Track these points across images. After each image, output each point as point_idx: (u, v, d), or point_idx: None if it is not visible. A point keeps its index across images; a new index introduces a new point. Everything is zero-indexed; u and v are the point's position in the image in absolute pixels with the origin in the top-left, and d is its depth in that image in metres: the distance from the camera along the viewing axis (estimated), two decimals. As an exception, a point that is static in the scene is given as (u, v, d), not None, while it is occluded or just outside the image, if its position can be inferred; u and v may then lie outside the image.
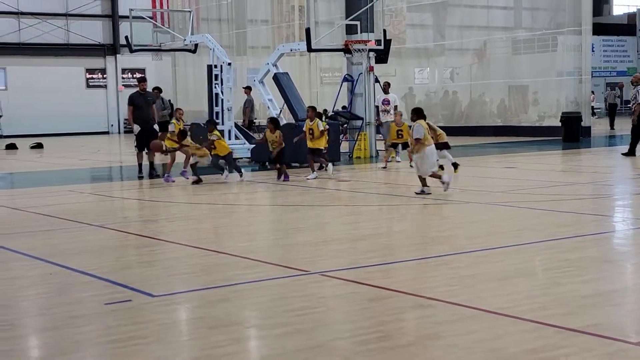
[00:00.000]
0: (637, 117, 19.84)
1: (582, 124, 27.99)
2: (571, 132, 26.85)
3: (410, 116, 13.67)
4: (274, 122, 16.62)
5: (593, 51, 38.31)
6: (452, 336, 5.46)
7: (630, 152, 19.96)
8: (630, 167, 19.02)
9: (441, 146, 15.83)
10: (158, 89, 23.31)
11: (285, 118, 21.54)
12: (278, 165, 16.30)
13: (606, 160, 21.52)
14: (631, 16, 61.56)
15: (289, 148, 16.71)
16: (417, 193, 13.20)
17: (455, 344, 5.28)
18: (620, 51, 58.07)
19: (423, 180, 13.32)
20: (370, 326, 5.74)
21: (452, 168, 16.41)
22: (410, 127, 14.16)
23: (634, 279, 7.38)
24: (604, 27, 55.17)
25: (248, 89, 25.26)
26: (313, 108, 17.37)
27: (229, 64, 21.62)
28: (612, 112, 36.29)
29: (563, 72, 30.43)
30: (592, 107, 34.09)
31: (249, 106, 25.63)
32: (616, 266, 7.83)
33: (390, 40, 22.19)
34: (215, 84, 21.35)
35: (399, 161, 19.40)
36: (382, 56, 21.76)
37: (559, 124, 26.66)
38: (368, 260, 8.11)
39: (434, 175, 13.36)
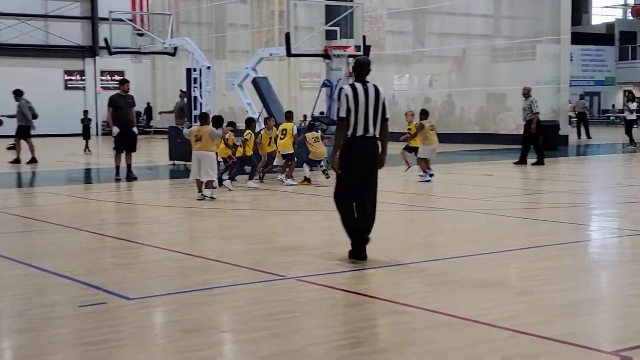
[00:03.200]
0: (535, 126, 20.48)
1: (560, 132, 28.25)
2: (548, 141, 27.04)
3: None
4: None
5: (572, 60, 38.58)
6: (426, 343, 5.49)
7: (522, 161, 20.45)
8: (606, 175, 19.21)
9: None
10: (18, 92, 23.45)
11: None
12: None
13: (583, 169, 21.71)
14: (610, 26, 62.13)
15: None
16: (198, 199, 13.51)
17: (430, 351, 5.31)
18: (599, 60, 58.57)
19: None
20: (346, 332, 5.75)
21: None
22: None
23: (609, 288, 7.44)
24: (582, 37, 55.65)
25: None
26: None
27: (208, 67, 21.60)
28: (581, 120, 36.40)
29: (541, 80, 30.64)
30: (570, 116, 34.33)
31: None
32: (592, 275, 7.90)
33: (369, 46, 22.22)
34: (194, 87, 21.32)
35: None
36: (361, 62, 21.78)
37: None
38: (344, 266, 8.12)
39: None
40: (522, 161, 20.49)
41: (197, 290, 7.10)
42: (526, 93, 20.99)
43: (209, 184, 13.64)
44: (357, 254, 8.20)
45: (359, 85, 8.09)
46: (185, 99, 25.60)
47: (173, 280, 7.60)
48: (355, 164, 8.12)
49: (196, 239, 10.55)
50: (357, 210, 8.28)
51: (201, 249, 9.47)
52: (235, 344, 5.68)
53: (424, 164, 16.72)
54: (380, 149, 8.29)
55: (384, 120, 8.15)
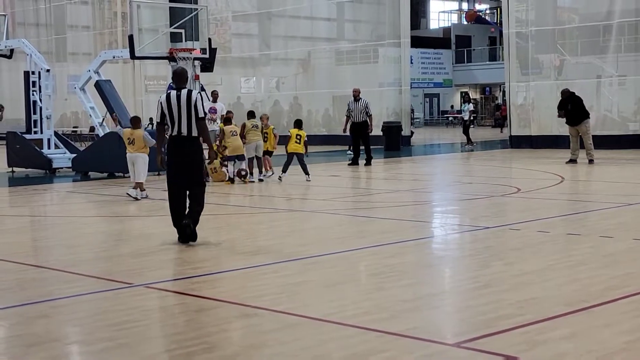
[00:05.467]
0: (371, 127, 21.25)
1: (402, 133, 29.08)
2: (392, 141, 27.81)
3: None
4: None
5: (412, 63, 39.81)
6: (277, 344, 5.50)
7: (368, 162, 21.09)
8: (447, 174, 19.92)
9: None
10: None
11: (109, 126, 21.03)
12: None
13: (425, 168, 22.43)
14: (446, 30, 64.65)
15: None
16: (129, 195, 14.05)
17: (281, 352, 5.33)
18: (437, 63, 60.81)
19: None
20: (197, 337, 5.68)
21: None
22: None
23: (450, 282, 7.71)
24: (421, 40, 57.65)
25: None
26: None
27: (48, 70, 20.89)
28: None
29: (384, 83, 31.48)
30: (412, 117, 35.44)
31: None
32: (435, 270, 8.16)
33: (215, 49, 22.12)
34: (33, 91, 20.56)
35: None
36: (207, 65, 21.66)
37: (381, 133, 27.48)
38: (194, 271, 8.04)
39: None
40: (368, 162, 20.94)
41: (39, 302, 6.82)
42: (356, 95, 21.46)
43: (138, 185, 14.07)
44: (182, 239, 9.35)
45: (173, 93, 9.37)
46: None
47: (13, 292, 7.28)
48: (174, 159, 9.37)
49: (39, 248, 10.15)
50: (188, 201, 9.40)
51: (44, 259, 9.13)
52: (80, 356, 5.50)
53: (262, 164, 17.60)
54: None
55: (198, 120, 9.28)
